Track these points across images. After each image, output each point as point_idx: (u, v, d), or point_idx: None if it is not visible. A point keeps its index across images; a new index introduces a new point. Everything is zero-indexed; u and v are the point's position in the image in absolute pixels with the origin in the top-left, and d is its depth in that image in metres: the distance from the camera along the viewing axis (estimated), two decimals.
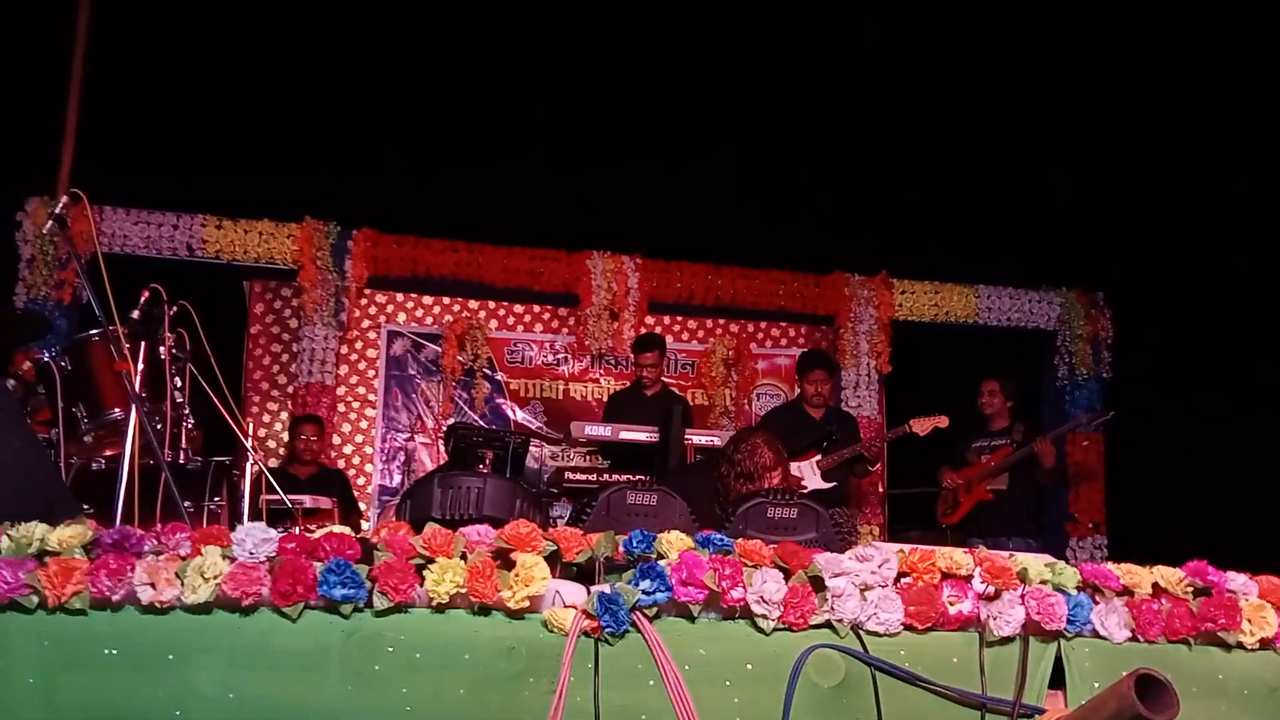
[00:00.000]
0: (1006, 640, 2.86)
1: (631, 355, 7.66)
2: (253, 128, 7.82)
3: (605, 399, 8.14)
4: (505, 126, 8.28)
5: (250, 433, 5.18)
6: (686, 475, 5.41)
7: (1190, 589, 3.04)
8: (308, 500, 6.16)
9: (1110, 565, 3.04)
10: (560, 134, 8.32)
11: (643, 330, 8.31)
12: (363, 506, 7.85)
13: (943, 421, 6.94)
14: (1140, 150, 7.88)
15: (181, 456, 4.70)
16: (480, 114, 8.25)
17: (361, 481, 8.14)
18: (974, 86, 8.19)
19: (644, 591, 2.67)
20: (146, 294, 4.60)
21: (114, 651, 2.45)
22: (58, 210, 4.36)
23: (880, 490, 8.53)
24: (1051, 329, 8.98)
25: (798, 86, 8.35)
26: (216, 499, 4.73)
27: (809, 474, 6.71)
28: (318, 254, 7.98)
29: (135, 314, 4.54)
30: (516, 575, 2.62)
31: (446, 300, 8.55)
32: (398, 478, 8.23)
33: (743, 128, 8.51)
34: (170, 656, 2.46)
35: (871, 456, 7.02)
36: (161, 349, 4.55)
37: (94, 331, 4.47)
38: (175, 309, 4.67)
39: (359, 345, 8.36)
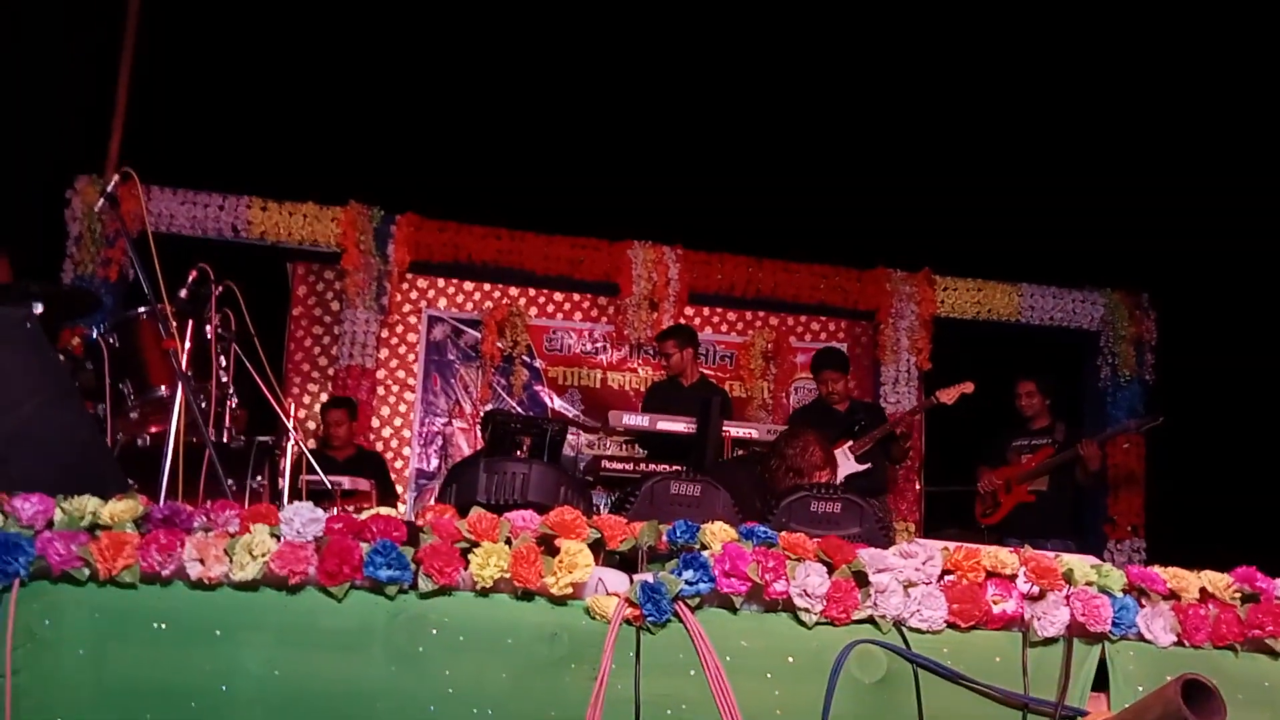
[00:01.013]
0: (1050, 641, 2.84)
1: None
2: (299, 111, 7.86)
3: (643, 389, 8.16)
4: (550, 115, 8.28)
5: (291, 413, 5.21)
6: (724, 470, 5.41)
7: (1238, 595, 3.01)
8: (346, 482, 6.21)
9: (1157, 569, 3.01)
10: (604, 123, 8.31)
11: (681, 321, 8.31)
12: (399, 490, 7.89)
13: (968, 387, 6.94)
14: (1189, 150, 7.78)
15: (225, 435, 4.73)
16: (526, 102, 8.26)
17: (399, 465, 8.18)
18: (1024, 83, 8.11)
19: (687, 581, 2.67)
20: (194, 273, 4.64)
21: (163, 626, 2.48)
22: (109, 189, 4.41)
23: (917, 487, 8.49)
24: (1095, 329, 8.89)
25: (846, 80, 8.30)
26: (259, 478, 4.76)
27: (842, 459, 6.71)
28: (361, 238, 8.03)
29: (183, 293, 4.58)
30: (560, 561, 2.63)
31: (487, 286, 8.58)
32: (435, 462, 8.27)
33: (788, 120, 8.46)
34: (218, 632, 2.49)
35: (901, 433, 7.00)
36: (208, 328, 4.58)
37: (142, 309, 4.51)
38: (221, 289, 4.70)
39: (399, 329, 8.39)
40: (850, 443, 6.83)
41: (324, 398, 8.08)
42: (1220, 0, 7.34)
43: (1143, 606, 2.92)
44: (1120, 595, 2.90)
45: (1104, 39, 7.87)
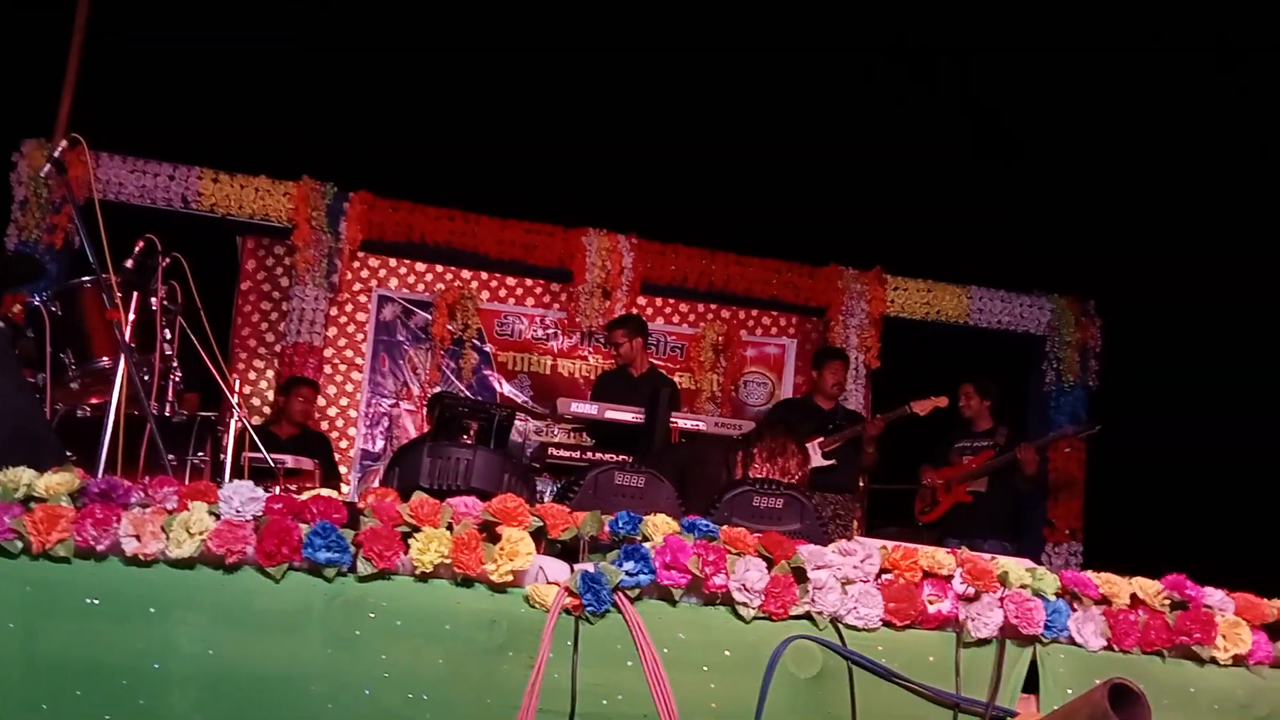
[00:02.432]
0: (983, 642, 2.88)
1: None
2: (254, 82, 7.75)
3: (593, 377, 8.15)
4: (507, 98, 8.23)
5: (236, 389, 5.16)
6: (665, 455, 5.42)
7: (1167, 602, 3.07)
8: (289, 460, 6.15)
9: (1090, 574, 3.06)
10: (562, 109, 8.28)
11: (633, 310, 8.31)
12: (343, 470, 7.84)
13: (943, 402, 7.06)
14: (1140, 162, 7.89)
15: (168, 409, 4.67)
16: (485, 84, 8.21)
17: (344, 445, 8.13)
18: (976, 89, 8.19)
19: (627, 572, 2.68)
20: (141, 244, 4.56)
21: (96, 601, 2.46)
22: (56, 154, 4.34)
23: (860, 484, 8.56)
24: (1041, 334, 9.00)
25: (801, 78, 8.32)
26: (200, 454, 4.71)
27: (811, 452, 6.82)
28: (313, 213, 7.95)
29: (129, 263, 4.50)
30: (501, 549, 2.63)
31: (439, 268, 8.53)
32: (380, 443, 8.23)
33: (747, 115, 8.48)
34: (152, 610, 2.47)
35: (867, 438, 7.07)
36: (153, 300, 4.52)
37: (86, 278, 4.44)
38: (168, 261, 4.63)
39: (349, 308, 8.33)
40: (821, 438, 6.90)
41: (270, 374, 8.00)
42: (1159, 13, 7.44)
43: (1075, 611, 2.97)
44: (1053, 599, 2.95)
45: (1058, 53, 7.95)
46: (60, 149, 4.33)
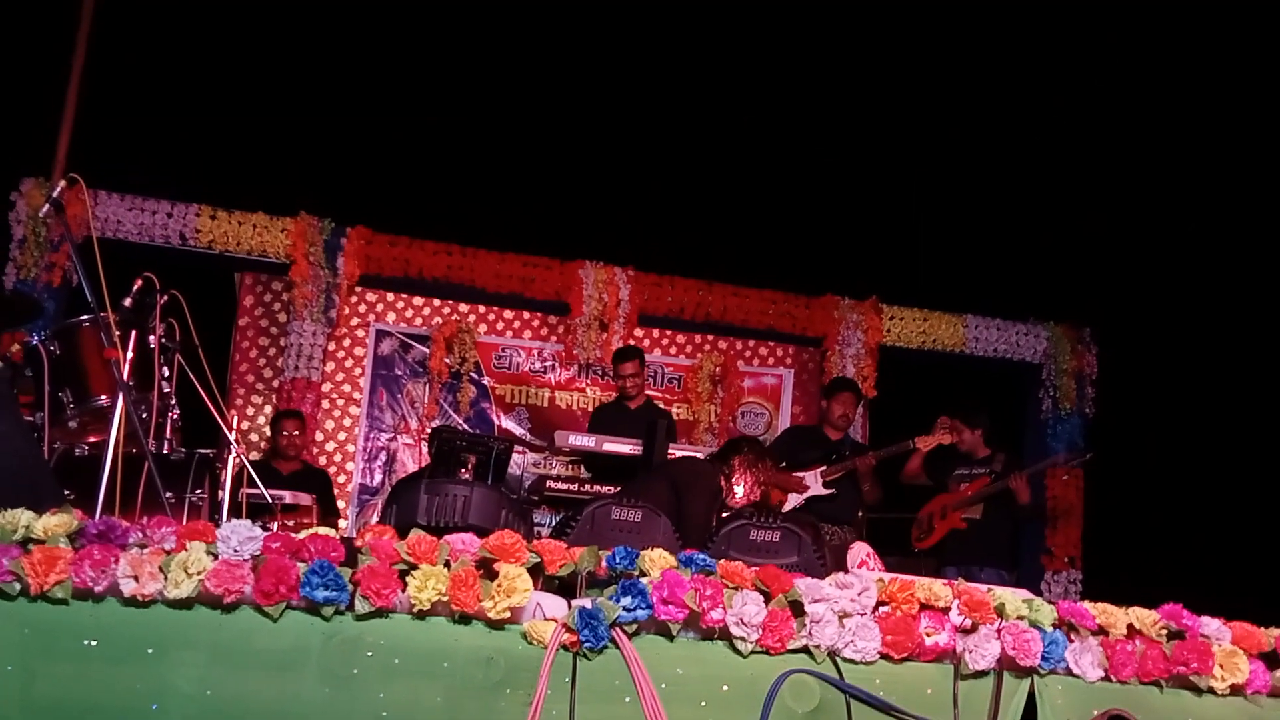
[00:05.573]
0: (981, 674, 2.88)
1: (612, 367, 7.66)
2: (251, 119, 7.80)
3: (591, 409, 8.15)
4: (505, 132, 8.28)
5: (234, 425, 5.17)
6: (659, 472, 5.43)
7: (1164, 631, 3.07)
8: (287, 496, 6.14)
9: (1086, 604, 3.06)
10: (558, 143, 8.33)
11: (630, 342, 8.33)
12: (341, 505, 7.83)
13: (945, 438, 7.03)
14: (1135, 191, 7.94)
15: (165, 446, 4.68)
16: (482, 119, 8.26)
17: (342, 479, 8.12)
18: (973, 120, 8.24)
19: (624, 608, 2.69)
20: (140, 282, 4.58)
21: (93, 643, 2.45)
22: (55, 194, 4.36)
23: (859, 514, 8.55)
24: (1038, 362, 9.00)
25: (800, 109, 8.38)
26: (198, 491, 4.71)
27: (811, 480, 6.89)
28: (310, 249, 7.98)
29: (127, 302, 4.52)
30: (499, 586, 2.63)
31: (437, 302, 8.55)
32: (379, 477, 8.22)
33: (743, 146, 8.53)
34: (150, 650, 2.47)
35: (864, 472, 7.06)
36: (151, 338, 4.54)
37: (85, 317, 4.45)
38: (166, 298, 4.65)
39: (347, 343, 8.35)
40: (824, 467, 6.91)
41: (268, 410, 8.01)
42: (1159, 43, 7.50)
43: (1072, 641, 2.97)
44: (1050, 630, 2.95)
45: (1052, 80, 8.01)
46: (59, 189, 4.35)
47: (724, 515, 4.81)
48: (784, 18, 8.11)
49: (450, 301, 8.55)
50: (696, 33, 8.14)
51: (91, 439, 4.63)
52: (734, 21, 8.17)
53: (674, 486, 4.68)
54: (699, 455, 6.07)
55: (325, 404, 8.18)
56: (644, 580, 2.76)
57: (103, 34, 7.41)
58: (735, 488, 4.95)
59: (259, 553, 2.57)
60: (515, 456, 7.41)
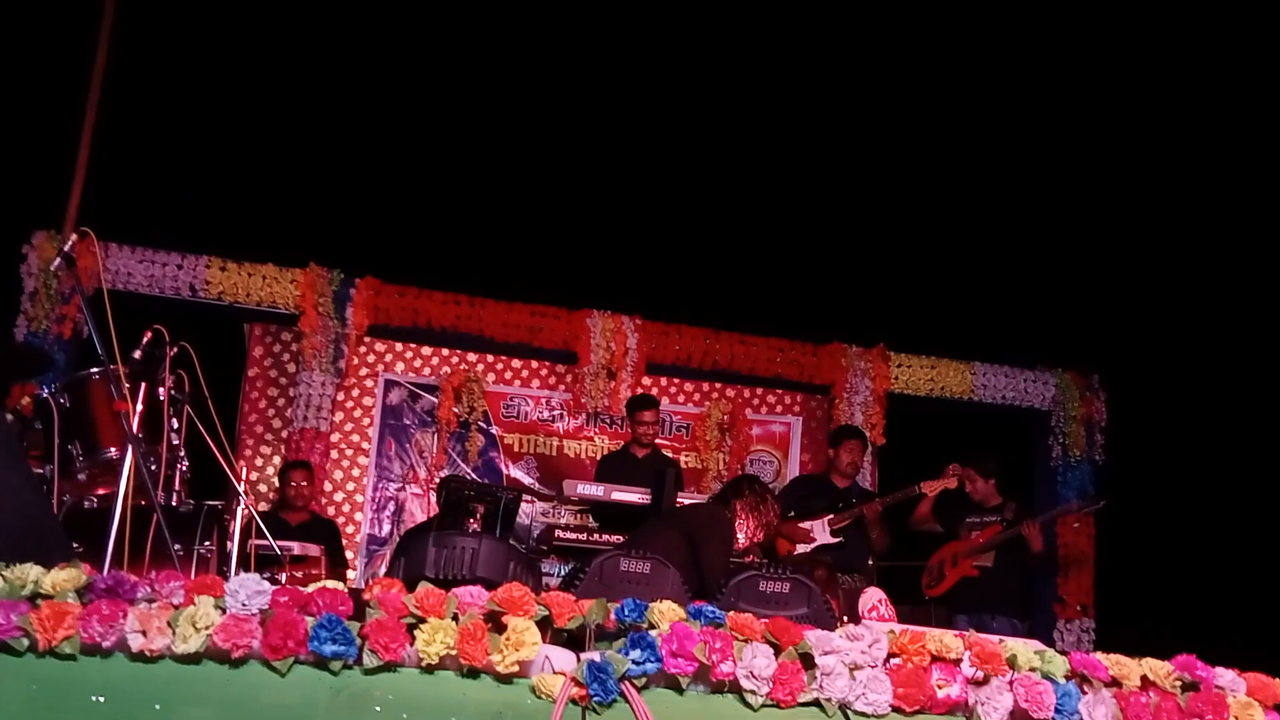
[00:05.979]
0: None
1: (627, 414, 7.65)
2: (260, 171, 7.89)
3: (599, 457, 8.14)
4: (512, 183, 8.35)
5: (243, 476, 5.17)
6: (670, 521, 5.41)
7: (1178, 683, 3.04)
8: (296, 547, 6.13)
9: (1099, 655, 3.03)
10: (565, 193, 8.40)
11: (639, 391, 8.33)
12: (350, 555, 7.81)
13: (951, 483, 7.02)
14: (1141, 237, 7.96)
15: (174, 499, 4.68)
16: (489, 169, 8.33)
17: (350, 530, 8.11)
18: (980, 167, 8.29)
19: (634, 661, 2.66)
20: (149, 335, 4.60)
21: (101, 699, 2.44)
22: (66, 248, 4.38)
23: (870, 562, 8.50)
24: (1046, 409, 8.99)
25: (806, 158, 8.44)
26: (207, 543, 4.70)
27: (819, 529, 6.87)
28: (319, 300, 8.02)
29: (137, 354, 4.55)
30: (507, 639, 2.61)
31: (445, 352, 8.58)
32: (387, 527, 8.21)
33: (749, 195, 8.59)
34: (157, 706, 2.45)
35: (871, 520, 7.02)
36: (161, 390, 4.55)
37: (95, 370, 4.47)
38: (175, 350, 4.66)
39: (355, 393, 8.37)
40: (831, 516, 6.88)
41: (277, 460, 8.01)
42: (1166, 86, 7.55)
43: (1085, 693, 2.93)
44: (1063, 681, 2.92)
45: (1061, 128, 8.06)
46: (70, 241, 4.38)
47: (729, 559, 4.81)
48: (792, 67, 8.19)
49: (458, 351, 8.57)
50: (704, 84, 8.23)
51: (100, 491, 4.63)
52: (742, 72, 8.26)
53: (689, 536, 4.65)
54: (703, 500, 6.06)
55: (334, 454, 8.18)
56: (653, 633, 2.74)
57: (114, 88, 7.52)
58: (737, 533, 4.93)
59: (267, 606, 2.56)
60: (524, 506, 7.39)
